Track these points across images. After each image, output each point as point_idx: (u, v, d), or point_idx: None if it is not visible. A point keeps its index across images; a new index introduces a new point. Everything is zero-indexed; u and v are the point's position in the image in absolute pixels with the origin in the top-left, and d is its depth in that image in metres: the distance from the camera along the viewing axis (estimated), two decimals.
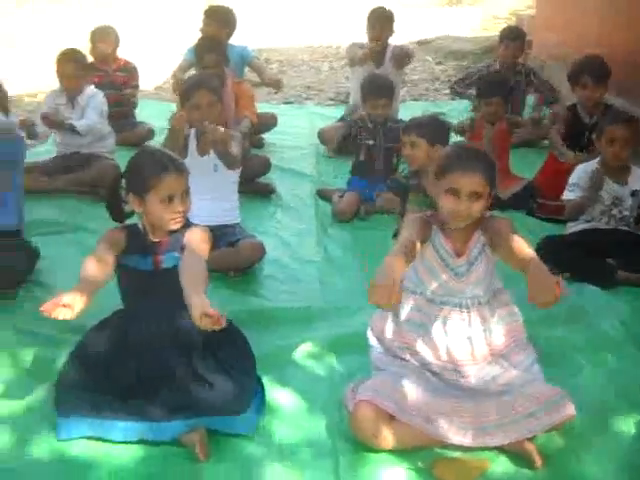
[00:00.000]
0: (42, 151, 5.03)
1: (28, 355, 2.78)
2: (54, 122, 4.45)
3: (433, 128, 3.49)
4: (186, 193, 2.45)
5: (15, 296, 3.23)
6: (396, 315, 2.44)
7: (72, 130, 4.45)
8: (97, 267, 2.33)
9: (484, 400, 2.30)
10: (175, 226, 2.45)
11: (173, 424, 2.27)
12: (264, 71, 5.73)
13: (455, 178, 2.29)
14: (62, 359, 2.59)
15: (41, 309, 2.10)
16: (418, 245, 2.26)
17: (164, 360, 2.36)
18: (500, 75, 5.26)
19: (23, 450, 2.30)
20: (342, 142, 5.05)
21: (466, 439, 2.24)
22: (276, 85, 5.57)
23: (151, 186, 2.39)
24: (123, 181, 2.54)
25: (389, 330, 2.45)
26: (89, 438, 2.31)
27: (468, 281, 2.37)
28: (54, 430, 2.34)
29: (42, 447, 2.30)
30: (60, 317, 2.10)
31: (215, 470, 2.23)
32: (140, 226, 2.52)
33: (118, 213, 2.55)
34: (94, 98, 4.58)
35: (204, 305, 2.12)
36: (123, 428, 2.28)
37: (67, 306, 2.10)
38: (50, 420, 2.38)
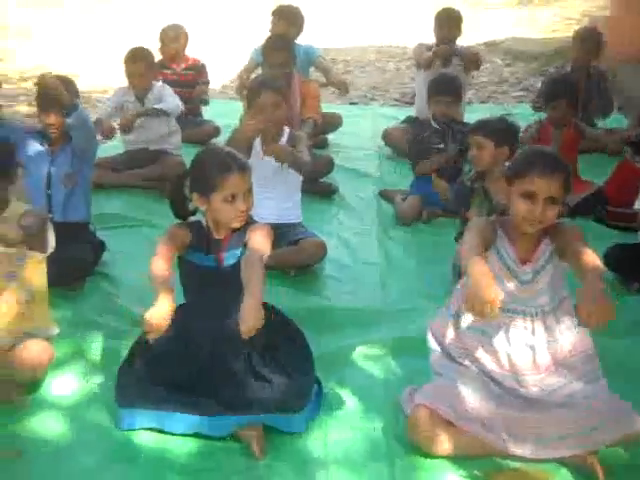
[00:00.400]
0: (110, 147, 5.15)
1: (92, 346, 2.85)
2: (136, 115, 4.50)
3: (500, 129, 3.43)
4: (249, 192, 2.47)
5: (82, 288, 3.31)
6: (458, 321, 2.40)
7: (158, 114, 4.51)
8: (167, 266, 2.40)
9: (546, 411, 2.24)
10: (238, 224, 2.47)
11: (231, 419, 2.30)
12: (330, 71, 5.72)
13: (532, 181, 2.23)
14: (125, 350, 2.65)
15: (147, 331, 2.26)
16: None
17: (223, 356, 2.38)
18: (567, 76, 5.04)
19: (84, 438, 2.36)
20: (407, 144, 5.00)
21: (526, 450, 2.19)
22: (342, 87, 5.56)
23: (215, 185, 2.42)
24: (187, 179, 2.57)
25: (450, 335, 2.41)
26: (148, 429, 2.35)
27: (533, 289, 2.31)
28: (114, 420, 2.39)
29: (102, 436, 2.36)
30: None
31: (270, 467, 2.24)
32: (204, 223, 2.55)
33: (181, 211, 2.58)
34: (165, 90, 4.66)
35: (250, 315, 2.17)
36: (181, 421, 2.32)
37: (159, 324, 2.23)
38: (111, 410, 2.43)
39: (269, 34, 5.09)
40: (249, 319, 2.16)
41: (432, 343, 2.47)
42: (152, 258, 2.42)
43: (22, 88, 7.61)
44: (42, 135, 3.48)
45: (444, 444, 2.22)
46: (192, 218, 2.62)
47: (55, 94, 3.27)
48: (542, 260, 2.30)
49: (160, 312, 2.25)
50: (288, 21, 5.28)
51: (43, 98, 3.38)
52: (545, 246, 2.31)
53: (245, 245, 2.47)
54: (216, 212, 2.47)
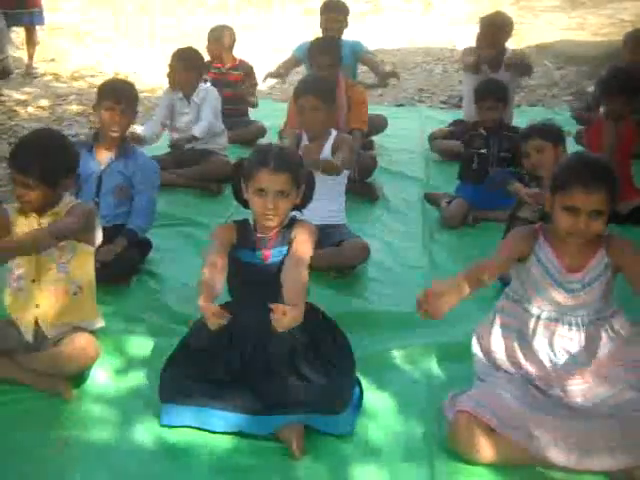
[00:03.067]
0: (157, 146, 5.22)
1: (137, 342, 2.89)
2: (179, 147, 4.65)
3: (554, 130, 3.45)
4: (281, 194, 2.46)
5: (127, 285, 3.36)
6: (503, 327, 2.37)
7: (194, 139, 4.59)
8: (216, 273, 2.42)
9: (592, 422, 2.19)
10: (267, 223, 2.48)
11: (272, 418, 2.30)
12: (377, 65, 5.66)
13: (575, 196, 2.16)
14: (169, 347, 2.68)
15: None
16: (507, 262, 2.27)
17: (266, 354, 2.39)
18: (626, 70, 4.86)
19: (126, 433, 2.39)
20: (453, 148, 4.96)
21: (571, 461, 2.14)
22: (393, 76, 5.50)
23: (250, 175, 2.46)
24: None
25: (494, 341, 2.38)
26: (189, 426, 2.37)
27: (580, 300, 2.26)
28: (157, 416, 2.41)
29: (145, 431, 2.38)
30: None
31: (309, 468, 2.23)
32: (251, 221, 2.57)
33: (239, 194, 2.60)
34: (209, 95, 4.72)
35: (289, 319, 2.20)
36: (223, 419, 2.33)
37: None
38: (153, 406, 2.46)
39: (316, 36, 5.09)
40: (283, 320, 2.21)
41: (476, 349, 2.44)
42: (203, 268, 2.45)
43: (73, 87, 7.77)
44: (90, 146, 3.51)
45: (486, 451, 2.19)
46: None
47: (132, 98, 3.41)
48: (596, 271, 2.24)
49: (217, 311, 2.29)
50: (341, 13, 5.27)
51: (120, 97, 3.43)
52: (600, 257, 2.25)
53: (290, 243, 2.48)
54: (251, 204, 2.50)
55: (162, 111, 4.73)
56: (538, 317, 2.29)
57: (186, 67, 4.62)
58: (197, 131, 4.60)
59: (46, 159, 2.52)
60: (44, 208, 2.57)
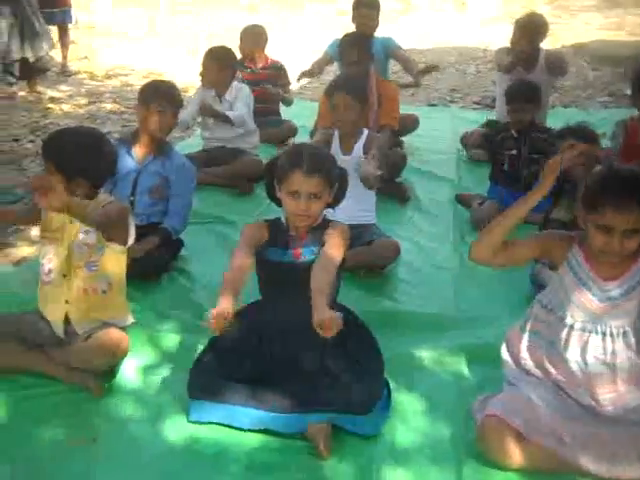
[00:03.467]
0: (189, 144, 5.26)
1: (166, 338, 2.91)
2: (211, 111, 4.61)
3: (588, 132, 3.39)
4: (314, 197, 2.46)
5: (158, 281, 3.38)
6: (534, 334, 2.33)
7: (225, 120, 4.59)
8: (238, 273, 2.41)
9: (623, 429, 2.15)
10: (300, 223, 2.49)
11: (299, 417, 2.30)
12: (409, 61, 5.63)
13: (608, 215, 2.05)
14: (197, 344, 2.69)
15: (206, 325, 2.21)
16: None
17: (296, 353, 2.39)
18: None
19: (155, 428, 2.40)
20: (484, 149, 4.91)
21: (602, 468, 2.11)
22: (433, 69, 5.46)
23: (283, 176, 2.46)
24: None
25: (524, 348, 2.34)
26: (217, 423, 2.38)
27: (615, 310, 2.20)
28: (186, 412, 2.43)
29: (173, 427, 2.40)
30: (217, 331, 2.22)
31: (335, 468, 2.23)
32: (283, 219, 2.57)
33: (272, 193, 2.60)
34: (241, 91, 4.73)
35: (324, 313, 2.13)
36: (251, 416, 2.33)
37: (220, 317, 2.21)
38: (181, 401, 2.47)
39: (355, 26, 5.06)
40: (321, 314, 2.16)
41: (506, 354, 2.41)
42: (229, 263, 2.46)
43: (107, 86, 7.86)
44: (129, 144, 3.54)
45: (514, 456, 2.16)
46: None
47: (175, 100, 3.46)
48: (632, 282, 2.18)
49: (220, 312, 2.22)
50: (376, 10, 5.25)
51: (169, 99, 3.47)
52: (638, 270, 2.18)
53: (322, 244, 2.47)
54: (284, 204, 2.50)
55: (193, 107, 4.74)
56: (571, 327, 2.24)
57: (219, 66, 4.64)
58: (231, 114, 4.59)
59: (67, 148, 2.55)
60: None
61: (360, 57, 4.46)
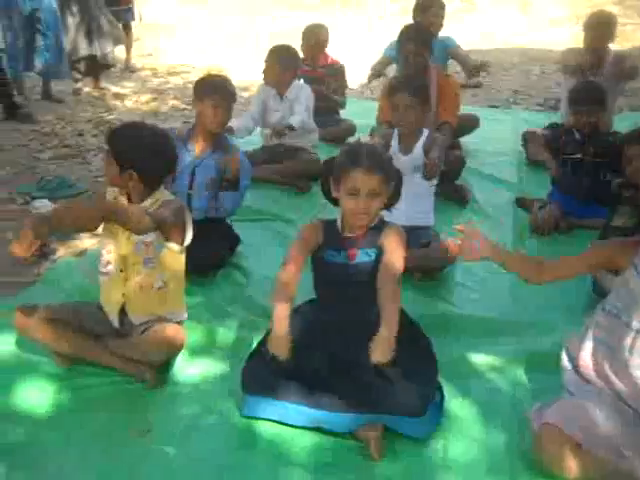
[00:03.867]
0: (249, 140, 5.29)
1: (222, 333, 2.93)
2: (279, 132, 4.63)
3: None
4: (374, 194, 2.44)
5: (215, 277, 3.42)
6: (596, 341, 2.27)
7: (291, 129, 4.61)
8: (292, 274, 2.45)
9: None
10: (359, 222, 2.47)
11: (352, 417, 2.29)
12: (467, 60, 5.55)
13: None
14: (250, 340, 2.70)
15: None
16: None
17: (350, 353, 2.38)
18: None
19: (208, 422, 2.43)
20: (546, 151, 4.80)
21: None
22: (482, 67, 5.39)
23: (342, 175, 2.45)
24: None
25: (585, 355, 2.28)
26: (270, 419, 2.39)
27: None
28: (239, 407, 2.45)
29: (225, 421, 2.42)
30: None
31: (386, 469, 2.22)
32: (338, 220, 2.56)
33: (329, 194, 2.60)
34: (302, 92, 4.75)
35: (385, 355, 2.22)
36: (303, 414, 2.34)
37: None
38: (235, 397, 2.49)
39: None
40: (379, 354, 2.23)
41: (566, 362, 2.35)
42: (282, 266, 2.47)
43: (169, 83, 7.99)
44: (187, 139, 3.57)
45: (572, 467, 2.10)
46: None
47: (230, 94, 3.50)
48: None
49: (278, 343, 2.32)
50: (442, 8, 5.22)
51: (223, 94, 3.50)
52: None
53: (379, 247, 2.45)
54: (342, 204, 2.49)
55: (256, 107, 4.78)
56: (638, 331, 2.18)
57: (282, 65, 4.66)
58: (294, 120, 4.60)
59: (126, 139, 2.59)
60: (130, 198, 2.62)
61: (418, 49, 4.38)
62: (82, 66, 7.17)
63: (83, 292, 3.10)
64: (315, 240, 2.53)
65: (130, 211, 2.38)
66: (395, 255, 2.45)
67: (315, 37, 5.60)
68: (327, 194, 2.62)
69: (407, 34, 4.47)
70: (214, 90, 3.50)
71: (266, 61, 4.73)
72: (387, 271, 2.41)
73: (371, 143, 3.43)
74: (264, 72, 4.75)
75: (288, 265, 2.46)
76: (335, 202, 2.59)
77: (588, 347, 2.28)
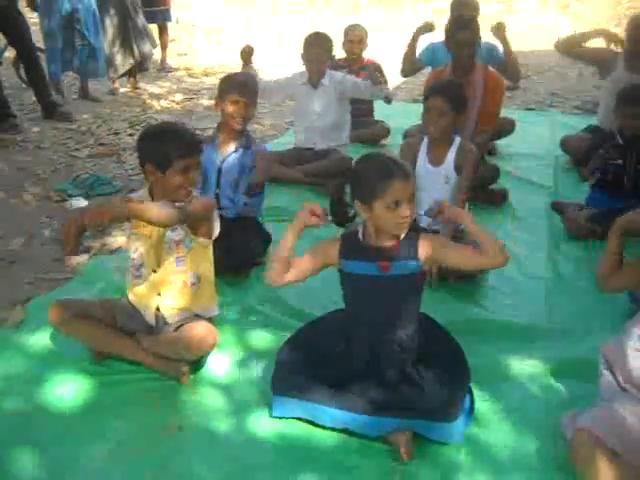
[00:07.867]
0: (281, 142, 5.31)
1: (253, 333, 2.94)
2: (374, 80, 4.63)
3: None
4: (412, 196, 2.37)
5: (247, 276, 3.42)
6: (633, 349, 2.22)
7: (387, 101, 4.67)
8: (283, 278, 2.45)
9: None
10: (401, 231, 2.36)
11: (382, 420, 2.27)
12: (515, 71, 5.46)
13: None
14: (281, 340, 2.70)
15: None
16: None
17: (379, 362, 2.36)
18: None
19: (238, 421, 2.44)
20: (586, 155, 4.72)
21: None
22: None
23: (377, 192, 2.30)
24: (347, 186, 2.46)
25: (622, 363, 2.23)
26: (298, 419, 2.39)
27: None
28: (269, 406, 2.45)
29: (255, 421, 2.43)
30: None
31: (415, 474, 2.20)
32: (360, 231, 2.43)
33: (341, 217, 2.45)
34: (334, 75, 4.71)
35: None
36: (332, 416, 2.33)
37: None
38: (264, 396, 2.50)
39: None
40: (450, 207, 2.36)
41: (603, 369, 2.30)
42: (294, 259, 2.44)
43: (204, 83, 8.04)
44: (213, 139, 3.59)
45: (607, 475, 2.06)
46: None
47: (254, 90, 3.51)
48: None
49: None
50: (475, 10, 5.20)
51: (242, 90, 3.50)
52: None
53: (418, 259, 2.36)
54: (378, 219, 2.34)
55: (284, 81, 4.79)
56: None
57: (325, 49, 4.62)
58: (363, 84, 4.62)
59: (141, 136, 2.64)
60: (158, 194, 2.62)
61: (470, 39, 4.29)
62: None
63: (117, 289, 3.13)
64: (330, 258, 2.43)
65: (144, 206, 2.42)
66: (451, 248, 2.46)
67: (352, 38, 5.57)
68: (340, 217, 2.45)
69: (456, 23, 4.37)
70: (234, 87, 3.50)
71: (310, 44, 4.66)
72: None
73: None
74: (305, 55, 4.67)
75: (296, 262, 2.43)
76: (341, 224, 2.47)
77: (627, 354, 2.24)
